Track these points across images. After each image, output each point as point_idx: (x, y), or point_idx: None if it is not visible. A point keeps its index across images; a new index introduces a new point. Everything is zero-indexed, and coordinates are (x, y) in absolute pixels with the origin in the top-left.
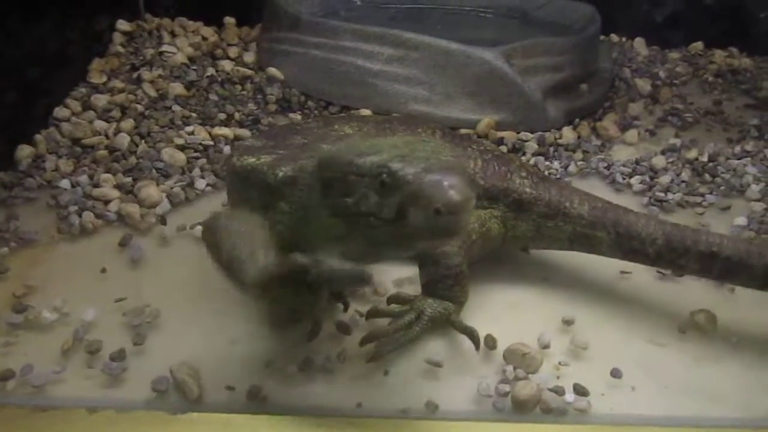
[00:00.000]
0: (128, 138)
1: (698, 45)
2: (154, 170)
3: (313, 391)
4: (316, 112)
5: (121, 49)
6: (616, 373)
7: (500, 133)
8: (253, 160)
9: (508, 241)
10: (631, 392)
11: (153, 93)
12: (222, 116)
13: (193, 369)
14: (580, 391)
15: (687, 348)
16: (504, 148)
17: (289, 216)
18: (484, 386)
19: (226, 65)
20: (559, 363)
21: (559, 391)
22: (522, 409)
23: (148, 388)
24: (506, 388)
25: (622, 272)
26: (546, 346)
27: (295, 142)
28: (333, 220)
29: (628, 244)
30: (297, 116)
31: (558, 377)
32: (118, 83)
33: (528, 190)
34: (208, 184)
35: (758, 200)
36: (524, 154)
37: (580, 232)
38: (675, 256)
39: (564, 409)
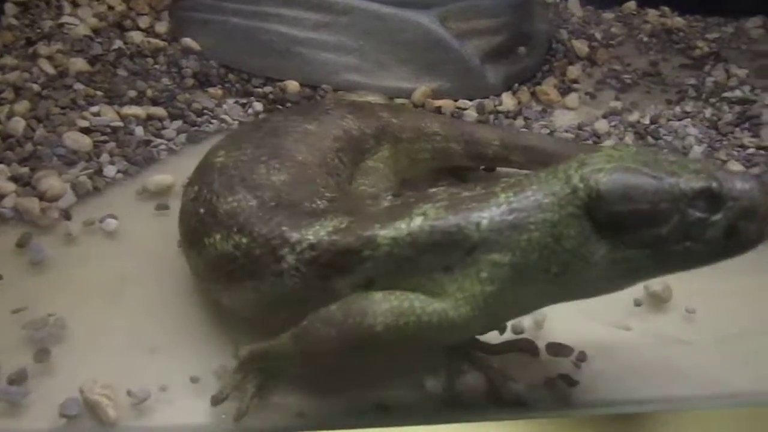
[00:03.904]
0: (23, 122)
1: (631, 5)
2: (55, 158)
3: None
4: (237, 86)
5: (14, 22)
6: (582, 357)
7: (437, 102)
8: (421, 220)
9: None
10: (595, 375)
11: (51, 70)
12: (132, 93)
13: (108, 387)
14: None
15: (646, 325)
16: None
17: (510, 268)
18: (433, 383)
19: (136, 37)
20: None
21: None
22: (477, 405)
23: (55, 414)
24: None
25: None
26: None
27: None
28: (627, 255)
29: (474, 150)
30: (217, 91)
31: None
32: (10, 60)
33: (394, 120)
34: (118, 171)
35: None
36: None
37: (438, 148)
38: (507, 153)
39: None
